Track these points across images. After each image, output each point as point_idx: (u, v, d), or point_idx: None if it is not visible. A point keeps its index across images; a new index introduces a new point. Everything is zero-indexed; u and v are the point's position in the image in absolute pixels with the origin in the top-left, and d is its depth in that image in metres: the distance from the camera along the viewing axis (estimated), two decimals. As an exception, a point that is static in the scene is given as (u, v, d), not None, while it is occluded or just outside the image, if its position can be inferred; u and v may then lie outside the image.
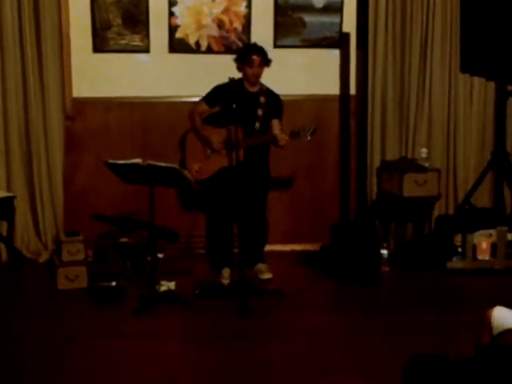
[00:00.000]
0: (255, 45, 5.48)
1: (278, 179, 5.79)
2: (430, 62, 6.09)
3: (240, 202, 5.06)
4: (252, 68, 5.28)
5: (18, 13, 5.67)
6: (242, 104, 5.15)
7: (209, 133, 5.33)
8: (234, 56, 5.44)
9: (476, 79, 6.12)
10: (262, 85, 5.41)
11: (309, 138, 5.14)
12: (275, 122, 5.40)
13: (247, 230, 5.24)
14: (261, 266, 5.48)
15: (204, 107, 5.41)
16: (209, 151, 5.35)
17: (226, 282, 5.36)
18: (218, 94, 5.36)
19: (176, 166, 4.87)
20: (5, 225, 5.81)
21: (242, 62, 5.32)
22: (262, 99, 5.36)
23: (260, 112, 5.34)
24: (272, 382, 4.00)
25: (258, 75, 5.32)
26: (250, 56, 5.27)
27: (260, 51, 5.31)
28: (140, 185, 4.97)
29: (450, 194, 6.26)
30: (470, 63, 5.93)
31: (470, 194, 6.01)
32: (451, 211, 6.21)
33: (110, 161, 4.87)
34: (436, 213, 6.12)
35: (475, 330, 3.18)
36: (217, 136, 5.29)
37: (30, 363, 4.12)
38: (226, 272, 5.41)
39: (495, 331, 2.94)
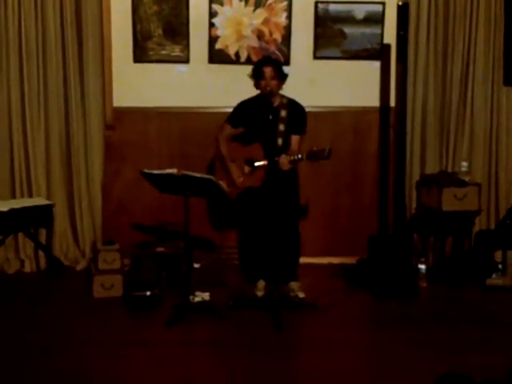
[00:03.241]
0: (267, 57, 5.46)
1: None
2: (472, 75, 6.01)
3: (268, 220, 5.01)
4: (264, 80, 5.11)
5: (60, 22, 5.77)
6: (261, 120, 5.09)
7: (231, 165, 5.23)
8: (249, 72, 5.29)
9: (519, 93, 6.03)
10: (282, 97, 5.21)
11: (322, 161, 4.90)
12: (294, 139, 5.20)
13: (279, 247, 5.11)
14: (294, 285, 5.41)
15: (228, 128, 5.30)
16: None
17: (260, 293, 5.34)
18: (240, 113, 5.29)
19: (212, 177, 4.87)
20: (44, 232, 5.87)
21: (255, 77, 5.19)
22: (283, 113, 5.16)
23: (282, 127, 5.14)
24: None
25: (272, 88, 5.09)
26: (260, 68, 5.15)
27: (271, 62, 5.20)
28: (175, 195, 4.98)
29: (492, 209, 6.16)
30: (514, 76, 5.84)
31: (511, 209, 5.89)
32: (492, 226, 6.10)
33: (146, 170, 4.90)
34: (477, 228, 6.03)
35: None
36: (238, 171, 5.21)
37: (60, 370, 4.14)
38: (261, 284, 5.38)
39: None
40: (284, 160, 4.97)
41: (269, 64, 5.18)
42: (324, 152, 4.87)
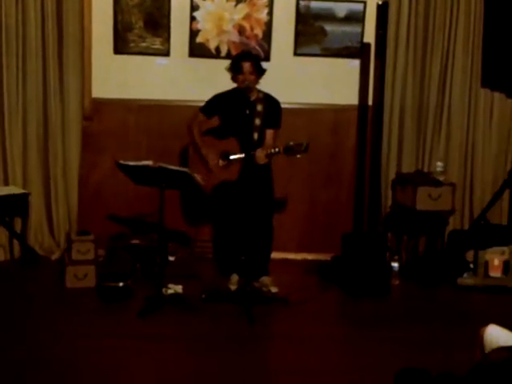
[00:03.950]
0: (246, 52, 5.48)
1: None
2: (450, 76, 6.04)
3: (243, 215, 5.03)
4: (243, 74, 5.13)
5: (41, 12, 5.74)
6: (237, 114, 5.13)
7: (206, 151, 5.22)
8: (227, 66, 5.30)
9: (496, 95, 6.07)
10: (258, 92, 5.22)
11: (299, 155, 4.91)
12: (268, 133, 5.21)
13: (253, 241, 5.16)
14: (266, 280, 5.43)
15: (201, 117, 5.32)
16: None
17: (233, 287, 5.36)
18: (215, 104, 5.31)
19: (187, 169, 4.88)
20: (19, 221, 5.86)
21: (233, 71, 5.21)
22: (260, 108, 5.15)
23: (258, 121, 5.13)
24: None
25: (249, 82, 5.13)
26: (240, 63, 5.16)
27: (250, 58, 5.22)
28: (150, 187, 4.99)
29: (466, 209, 6.21)
30: (491, 78, 5.90)
31: (485, 210, 5.96)
32: (466, 226, 6.15)
33: (121, 161, 4.90)
34: (451, 227, 6.08)
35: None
36: (213, 155, 5.19)
37: (31, 360, 4.14)
38: (234, 278, 5.40)
39: (487, 349, 2.92)
40: (260, 154, 4.99)
41: (248, 59, 5.20)
42: (301, 146, 4.88)
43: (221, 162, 5.19)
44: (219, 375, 4.09)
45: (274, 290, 5.36)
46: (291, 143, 4.91)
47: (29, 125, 5.88)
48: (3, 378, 3.89)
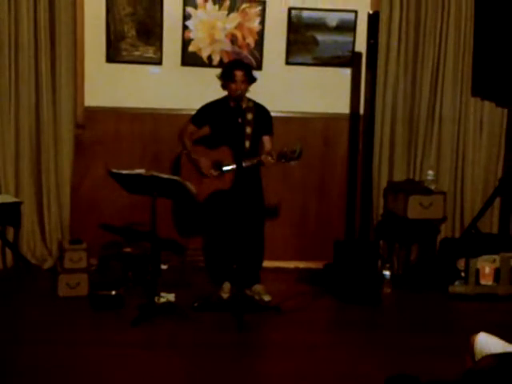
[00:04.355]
0: (238, 61, 5.51)
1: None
2: (441, 85, 6.09)
3: (235, 223, 5.04)
4: (235, 83, 5.16)
5: (33, 21, 5.75)
6: (228, 123, 5.16)
7: (198, 156, 5.24)
8: (217, 73, 5.34)
9: (487, 103, 6.11)
10: (248, 101, 5.25)
11: (293, 163, 4.96)
12: (266, 139, 5.30)
13: (245, 249, 5.17)
14: (258, 288, 5.45)
15: (192, 128, 5.34)
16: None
17: (225, 295, 5.37)
18: (205, 114, 5.33)
19: (179, 178, 4.89)
20: (11, 230, 5.86)
21: (225, 79, 5.24)
22: (250, 116, 5.20)
23: (249, 130, 5.17)
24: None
25: (242, 91, 5.16)
26: (232, 71, 5.17)
27: (243, 66, 5.25)
28: (143, 195, 5.00)
29: (457, 217, 6.24)
30: (482, 87, 5.94)
31: (476, 218, 5.99)
32: (457, 234, 6.18)
33: (114, 170, 4.91)
34: (442, 235, 6.11)
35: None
36: (206, 160, 5.21)
37: (24, 368, 4.14)
38: (227, 286, 5.41)
39: (477, 357, 2.94)
40: (269, 159, 5.02)
41: (241, 67, 5.22)
42: (295, 153, 4.93)
43: (213, 172, 5.21)
44: (211, 380, 4.11)
45: (266, 298, 5.38)
46: (285, 149, 4.96)
47: (21, 133, 5.87)
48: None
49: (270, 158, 5.04)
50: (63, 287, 5.28)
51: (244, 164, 5.04)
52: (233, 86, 5.18)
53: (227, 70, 5.27)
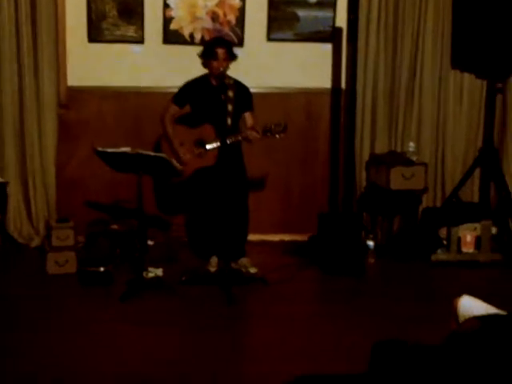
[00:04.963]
0: (220, 38, 5.54)
1: (250, 180, 5.69)
2: (421, 58, 6.14)
3: (220, 198, 5.12)
4: (217, 61, 5.17)
5: (14, 2, 5.74)
6: (210, 101, 5.20)
7: (177, 145, 5.28)
8: (199, 52, 5.35)
9: (466, 75, 6.18)
10: (229, 78, 5.20)
11: (278, 136, 5.06)
12: (247, 116, 5.33)
13: (230, 223, 5.23)
14: (244, 261, 5.52)
15: (174, 109, 5.36)
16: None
17: (212, 269, 5.44)
18: (186, 93, 5.36)
19: (164, 155, 4.94)
20: (-3, 211, 5.91)
21: (206, 57, 5.26)
22: (231, 93, 5.13)
23: (230, 107, 5.13)
24: (251, 366, 4.07)
25: (224, 69, 5.18)
26: (214, 49, 5.19)
27: (225, 44, 5.28)
28: (129, 173, 5.05)
29: (438, 187, 6.32)
30: (461, 59, 5.99)
31: (457, 188, 6.08)
32: (439, 204, 6.28)
33: (100, 149, 4.94)
34: (424, 205, 6.20)
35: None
36: (184, 149, 5.26)
37: (16, 345, 4.20)
38: (214, 260, 5.48)
39: (461, 319, 3.03)
40: (255, 134, 5.09)
41: (222, 45, 5.25)
42: (280, 126, 5.03)
43: (196, 150, 5.26)
44: (201, 353, 4.18)
45: (252, 270, 5.46)
46: (269, 124, 5.02)
47: (4, 114, 5.88)
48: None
49: (255, 133, 5.11)
50: (52, 265, 5.33)
51: (228, 141, 5.10)
52: (215, 63, 5.20)
53: (209, 47, 5.29)
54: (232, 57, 5.27)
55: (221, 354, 4.18)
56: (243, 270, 5.46)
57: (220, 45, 5.25)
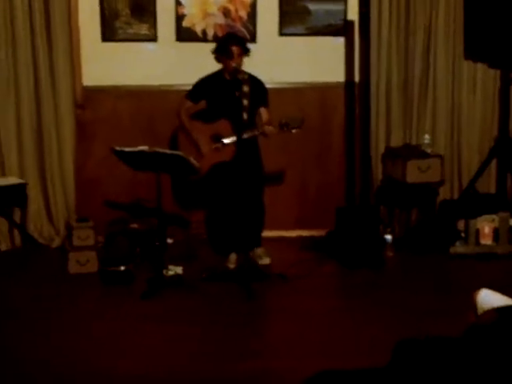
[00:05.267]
0: (233, 34, 5.55)
1: (268, 175, 5.76)
2: (433, 49, 6.13)
3: (237, 194, 5.16)
4: (232, 59, 5.20)
5: (28, 4, 5.79)
6: (225, 96, 5.23)
7: (196, 134, 5.32)
8: (212, 48, 5.37)
9: (480, 66, 6.17)
10: (243, 73, 5.23)
11: (295, 131, 5.09)
12: (263, 111, 5.38)
13: (246, 216, 5.29)
14: (259, 251, 5.58)
15: (188, 104, 5.40)
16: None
17: (232, 266, 5.48)
18: (201, 89, 5.40)
19: (181, 153, 4.98)
20: (18, 211, 5.96)
21: (221, 54, 5.28)
22: (246, 88, 5.15)
23: (245, 102, 5.16)
24: (272, 361, 4.08)
25: (238, 65, 5.22)
26: (229, 47, 5.22)
27: (239, 41, 5.29)
28: (147, 171, 5.10)
29: (455, 179, 6.32)
30: (474, 50, 5.98)
31: (473, 179, 6.07)
32: (456, 196, 6.28)
33: (117, 148, 4.98)
34: (441, 198, 6.19)
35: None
36: (204, 138, 5.30)
37: (35, 343, 4.26)
38: (233, 257, 5.52)
39: (479, 312, 3.04)
40: (271, 129, 5.14)
41: (236, 43, 5.27)
42: (297, 121, 5.04)
43: (213, 145, 5.29)
44: (222, 349, 4.22)
45: (267, 260, 5.52)
46: (286, 119, 5.06)
47: (22, 116, 5.94)
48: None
49: (271, 127, 5.14)
50: (73, 264, 5.39)
51: (245, 135, 5.12)
52: (229, 62, 5.22)
53: (222, 45, 5.31)
54: (246, 51, 5.29)
55: (241, 350, 4.21)
56: (258, 259, 5.51)
57: (234, 42, 5.27)
